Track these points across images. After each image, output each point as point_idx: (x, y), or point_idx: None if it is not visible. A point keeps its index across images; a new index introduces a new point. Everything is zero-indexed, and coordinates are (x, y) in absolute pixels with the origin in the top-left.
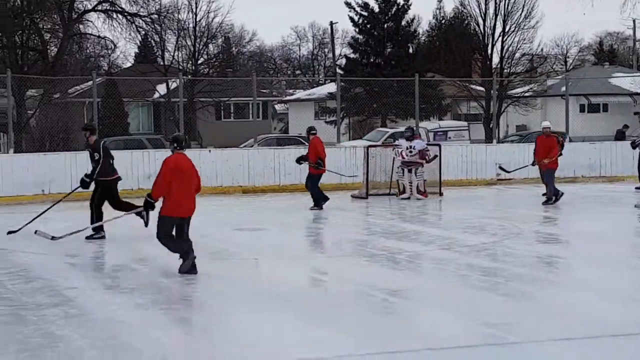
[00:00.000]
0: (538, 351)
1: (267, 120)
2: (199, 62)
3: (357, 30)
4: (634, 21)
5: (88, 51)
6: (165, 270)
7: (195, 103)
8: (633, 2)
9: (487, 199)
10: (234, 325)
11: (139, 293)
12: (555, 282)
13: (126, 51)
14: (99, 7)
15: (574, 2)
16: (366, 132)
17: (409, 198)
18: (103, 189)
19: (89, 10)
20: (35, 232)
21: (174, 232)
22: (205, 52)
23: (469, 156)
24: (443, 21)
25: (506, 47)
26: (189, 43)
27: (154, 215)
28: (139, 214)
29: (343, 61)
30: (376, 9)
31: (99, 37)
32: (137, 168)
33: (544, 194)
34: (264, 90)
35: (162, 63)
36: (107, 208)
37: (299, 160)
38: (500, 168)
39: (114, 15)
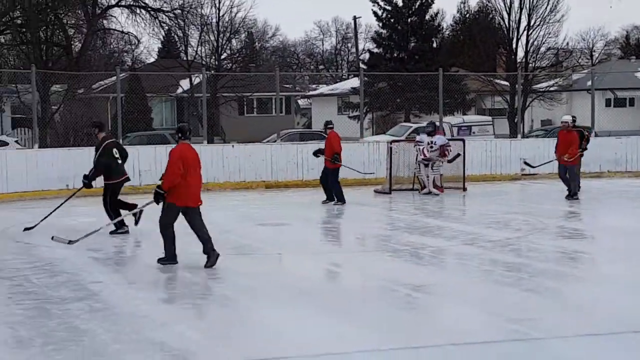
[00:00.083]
0: (562, 347)
1: (290, 115)
2: (222, 57)
3: (380, 24)
4: None
5: (112, 46)
6: (189, 264)
7: (218, 98)
8: None
9: (512, 194)
10: (257, 320)
11: (162, 287)
12: (580, 278)
13: (150, 46)
14: (123, 3)
15: None
16: (389, 127)
17: (429, 192)
18: (109, 190)
19: (113, 6)
20: (52, 238)
21: (176, 230)
22: (228, 47)
23: (493, 151)
24: (467, 15)
25: (531, 41)
26: (212, 38)
27: (145, 215)
28: (135, 214)
29: (366, 56)
30: (400, 3)
31: (122, 32)
32: (161, 163)
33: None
34: (287, 85)
35: (185, 58)
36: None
37: (316, 153)
38: (525, 163)
39: (138, 11)
